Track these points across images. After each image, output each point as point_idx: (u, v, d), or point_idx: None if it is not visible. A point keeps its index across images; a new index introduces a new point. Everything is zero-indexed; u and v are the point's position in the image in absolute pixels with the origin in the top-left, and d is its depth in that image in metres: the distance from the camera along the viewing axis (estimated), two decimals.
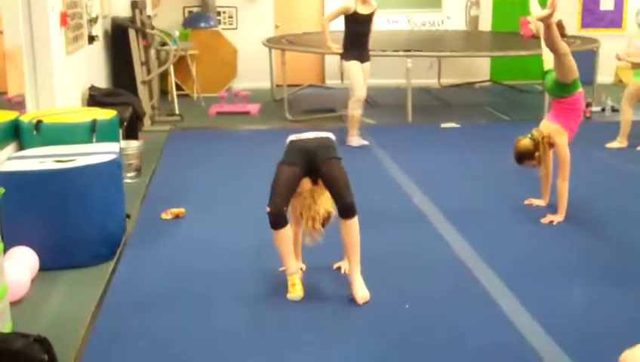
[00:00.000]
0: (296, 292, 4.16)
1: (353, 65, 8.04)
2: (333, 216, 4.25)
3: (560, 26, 12.03)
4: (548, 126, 5.51)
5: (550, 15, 5.15)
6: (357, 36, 8.02)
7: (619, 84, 12.92)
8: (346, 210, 4.15)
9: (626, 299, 4.15)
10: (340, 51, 8.13)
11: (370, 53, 8.37)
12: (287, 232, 4.18)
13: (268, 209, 4.14)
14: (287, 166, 4.26)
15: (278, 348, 3.60)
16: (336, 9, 8.09)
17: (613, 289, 4.29)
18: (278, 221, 4.14)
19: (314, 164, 4.24)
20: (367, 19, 7.97)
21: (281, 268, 4.43)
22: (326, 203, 4.24)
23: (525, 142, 5.45)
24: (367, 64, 8.15)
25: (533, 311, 3.95)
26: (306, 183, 4.29)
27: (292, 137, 4.44)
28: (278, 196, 4.17)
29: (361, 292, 4.15)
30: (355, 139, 8.05)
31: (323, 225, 4.23)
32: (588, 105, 9.82)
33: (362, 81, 8.04)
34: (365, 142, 8.05)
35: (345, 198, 4.15)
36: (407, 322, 3.88)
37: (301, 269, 4.43)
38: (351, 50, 8.05)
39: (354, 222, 4.17)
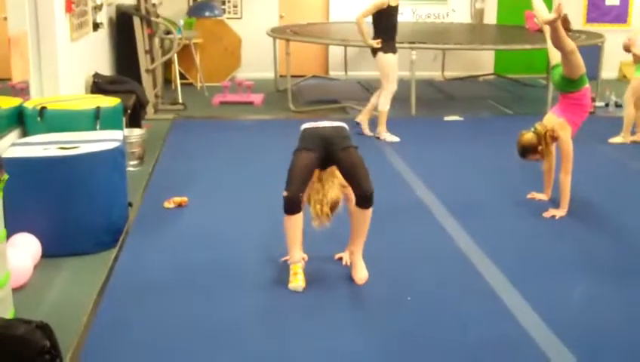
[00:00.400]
0: (297, 281, 4.16)
1: (393, 59, 8.06)
2: (340, 204, 4.25)
3: (565, 20, 12.00)
4: (552, 120, 5.51)
5: (556, 20, 5.13)
6: (392, 29, 8.06)
7: (623, 80, 12.89)
8: (366, 200, 4.19)
9: (627, 294, 4.16)
10: (379, 46, 8.01)
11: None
12: (299, 219, 4.18)
13: (285, 193, 4.15)
14: (305, 152, 4.26)
15: (280, 338, 3.60)
16: (372, 5, 7.92)
17: (614, 283, 4.30)
18: (293, 206, 4.14)
19: (331, 152, 4.25)
20: (397, 10, 8.07)
21: (283, 258, 4.44)
22: (335, 189, 4.25)
23: (529, 136, 5.45)
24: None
25: (535, 305, 3.96)
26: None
27: (306, 125, 4.45)
28: (296, 181, 4.18)
29: (362, 273, 4.26)
30: (389, 135, 8.05)
31: (332, 210, 4.21)
32: (592, 100, 9.81)
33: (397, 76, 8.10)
34: (397, 139, 8.04)
35: (366, 187, 4.19)
36: (409, 315, 3.88)
37: (303, 259, 4.43)
38: (389, 42, 8.03)
39: (369, 212, 4.22)
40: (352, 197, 4.30)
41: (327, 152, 4.25)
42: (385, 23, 7.99)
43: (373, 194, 4.19)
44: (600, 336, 3.67)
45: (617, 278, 4.38)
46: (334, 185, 4.25)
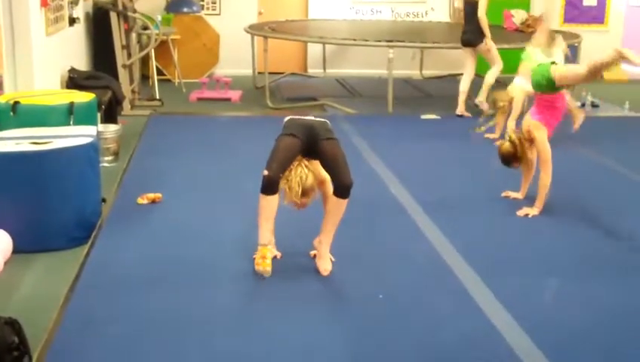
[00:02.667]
0: (265, 266, 4.12)
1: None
2: (315, 194, 4.28)
3: (542, 19, 12.09)
4: (527, 120, 5.54)
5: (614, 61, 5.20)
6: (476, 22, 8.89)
7: (599, 80, 12.96)
8: (345, 190, 4.22)
9: (598, 292, 4.19)
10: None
11: (352, 42, 9.50)
12: (274, 200, 4.18)
13: (265, 172, 4.16)
14: (289, 137, 4.30)
15: (251, 334, 3.60)
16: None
17: (585, 282, 4.33)
18: (271, 186, 4.16)
19: (314, 141, 4.28)
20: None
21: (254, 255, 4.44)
22: (311, 177, 4.26)
23: (505, 146, 5.52)
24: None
25: (506, 303, 3.98)
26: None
27: (290, 116, 4.51)
28: (277, 162, 4.20)
29: (327, 264, 4.32)
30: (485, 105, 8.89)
31: (304, 194, 4.20)
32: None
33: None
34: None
35: (345, 177, 4.22)
36: (380, 312, 3.89)
37: (276, 256, 4.44)
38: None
39: (344, 203, 4.25)
40: (329, 193, 4.34)
41: (311, 141, 4.28)
42: (486, 13, 8.90)
43: (351, 186, 4.21)
44: (569, 334, 3.69)
45: (589, 276, 4.41)
46: (311, 174, 4.25)
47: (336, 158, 4.27)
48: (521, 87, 7.67)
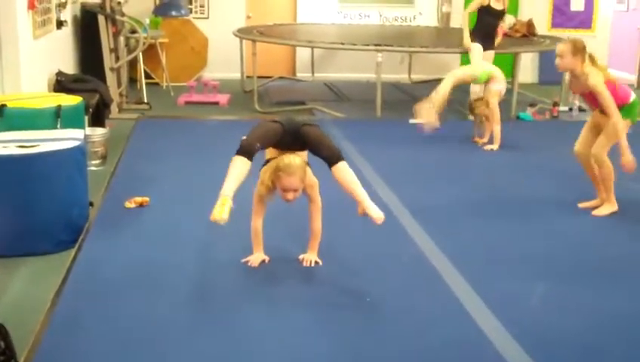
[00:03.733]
0: (221, 214, 3.97)
1: (474, 46, 9.23)
2: (304, 181, 4.24)
3: (530, 25, 12.14)
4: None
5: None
6: (485, 26, 9.27)
7: None
8: (336, 156, 4.19)
9: (588, 297, 4.19)
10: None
11: (340, 46, 9.72)
12: (245, 163, 4.13)
13: (243, 138, 4.20)
14: (271, 121, 4.35)
15: (237, 338, 3.58)
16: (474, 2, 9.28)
17: (574, 287, 4.33)
18: (245, 149, 4.16)
19: (295, 128, 4.28)
20: (498, 13, 9.30)
21: (244, 259, 4.44)
22: (303, 161, 4.27)
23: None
24: (488, 52, 9.25)
25: (494, 308, 3.98)
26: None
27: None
28: (255, 135, 4.26)
29: (377, 213, 4.11)
30: None
31: (293, 173, 4.16)
32: (555, 104, 9.91)
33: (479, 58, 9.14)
34: None
35: (334, 148, 4.23)
36: (367, 315, 3.88)
37: (264, 261, 4.43)
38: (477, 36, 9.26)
39: (345, 165, 4.19)
40: (316, 198, 4.37)
41: (292, 128, 4.28)
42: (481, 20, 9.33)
43: (341, 152, 4.23)
44: (558, 340, 3.69)
45: (577, 282, 4.42)
46: (300, 158, 4.25)
47: (321, 137, 4.29)
48: (495, 90, 7.79)
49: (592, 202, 5.84)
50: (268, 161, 4.35)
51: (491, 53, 9.35)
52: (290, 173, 4.15)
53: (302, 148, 4.34)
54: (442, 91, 7.60)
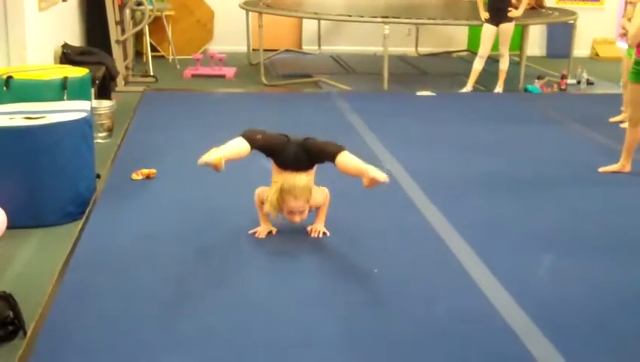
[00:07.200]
0: (208, 156, 4.08)
1: (485, 27, 9.20)
2: (311, 202, 4.28)
3: None
4: None
5: None
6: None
7: (595, 58, 12.96)
8: (337, 148, 4.24)
9: (596, 269, 4.18)
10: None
11: (348, 18, 9.82)
12: (244, 143, 4.20)
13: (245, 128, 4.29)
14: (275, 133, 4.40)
15: (243, 308, 3.58)
16: None
17: (580, 258, 4.33)
18: (247, 135, 4.25)
19: (299, 140, 4.32)
20: None
21: (251, 231, 4.44)
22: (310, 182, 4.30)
23: None
24: (504, 26, 9.13)
25: (502, 279, 3.97)
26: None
27: None
28: (258, 132, 4.32)
29: (381, 174, 4.06)
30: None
31: (301, 195, 4.19)
32: (563, 77, 9.86)
33: (486, 41, 9.18)
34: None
35: (335, 144, 4.29)
36: (374, 287, 3.88)
37: (271, 232, 4.46)
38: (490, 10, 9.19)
39: (347, 153, 4.22)
40: (323, 207, 4.45)
41: (297, 139, 4.33)
42: None
43: (338, 145, 4.26)
44: (565, 311, 3.69)
45: (586, 254, 4.41)
46: (306, 178, 4.27)
47: (323, 142, 4.34)
48: None
49: (612, 166, 5.94)
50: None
51: (507, 26, 9.16)
52: (296, 194, 4.18)
53: (308, 165, 4.35)
54: None
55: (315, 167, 4.40)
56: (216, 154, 4.03)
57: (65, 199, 4.68)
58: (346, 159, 4.20)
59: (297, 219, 4.26)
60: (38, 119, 4.65)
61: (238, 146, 4.19)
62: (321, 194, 4.42)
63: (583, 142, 7.11)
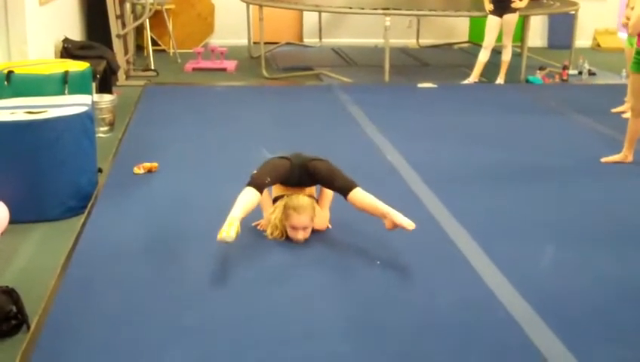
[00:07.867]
0: (228, 233, 3.85)
1: (489, 19, 9.18)
2: (313, 221, 4.28)
3: None
4: None
5: None
6: None
7: (597, 48, 12.94)
8: (350, 184, 4.22)
9: (598, 260, 4.18)
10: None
11: (347, 11, 9.87)
12: (254, 195, 4.12)
13: (253, 172, 4.21)
14: (278, 158, 4.35)
15: (247, 299, 3.59)
16: None
17: (583, 248, 4.32)
18: (255, 182, 4.16)
19: (303, 163, 4.29)
20: None
21: (254, 223, 4.44)
22: (312, 201, 4.29)
23: None
24: (508, 16, 9.11)
25: (504, 269, 3.97)
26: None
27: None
28: (265, 170, 4.25)
29: (408, 221, 4.07)
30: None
31: (304, 211, 4.20)
32: (565, 67, 9.84)
33: (490, 31, 9.18)
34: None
35: (346, 178, 4.25)
36: (377, 278, 3.88)
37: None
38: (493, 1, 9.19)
39: (360, 190, 4.21)
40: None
41: (300, 162, 4.30)
42: None
43: (352, 182, 4.24)
44: (569, 301, 3.68)
45: (586, 244, 4.40)
46: (308, 198, 4.28)
47: (332, 170, 4.30)
48: None
49: (615, 157, 5.94)
50: (275, 200, 4.37)
51: (511, 17, 9.12)
52: (301, 211, 4.18)
53: (311, 184, 4.36)
54: None
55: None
56: (234, 229, 3.88)
57: (67, 193, 4.68)
58: (362, 196, 4.21)
59: (300, 236, 4.24)
60: (40, 114, 4.65)
61: (251, 201, 4.12)
62: (323, 220, 4.41)
63: (585, 133, 7.10)
